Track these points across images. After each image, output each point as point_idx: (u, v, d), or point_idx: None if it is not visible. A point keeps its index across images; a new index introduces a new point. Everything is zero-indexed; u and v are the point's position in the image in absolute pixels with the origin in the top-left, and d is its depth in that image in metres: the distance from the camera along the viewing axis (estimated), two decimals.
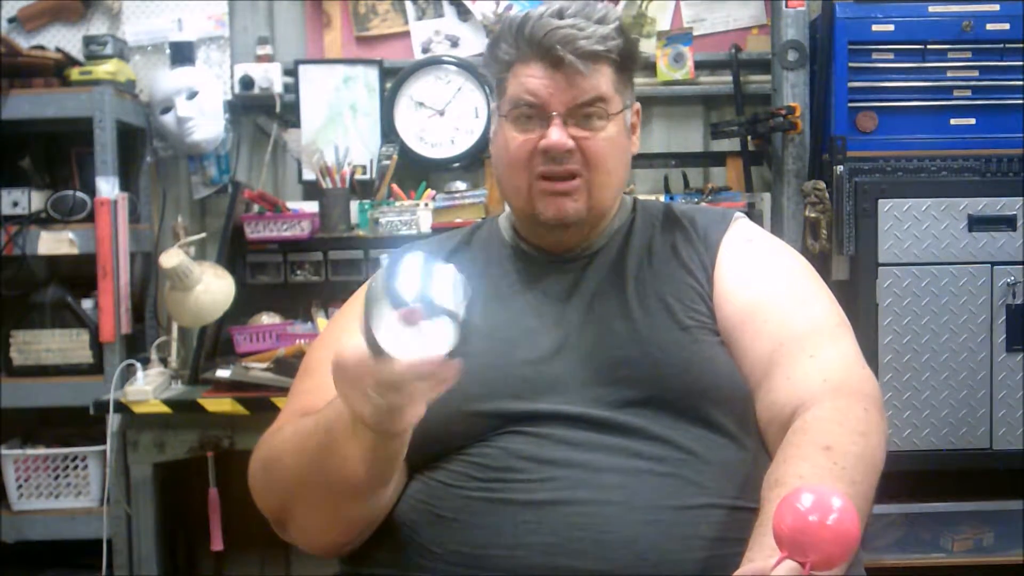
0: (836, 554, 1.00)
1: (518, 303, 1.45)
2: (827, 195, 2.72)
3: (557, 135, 1.40)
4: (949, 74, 2.77)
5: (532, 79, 1.41)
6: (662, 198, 2.91)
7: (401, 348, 1.08)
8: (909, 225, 2.67)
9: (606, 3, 1.46)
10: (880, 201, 2.67)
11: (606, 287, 1.45)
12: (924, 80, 2.75)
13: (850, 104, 2.74)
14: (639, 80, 3.02)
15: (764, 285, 1.44)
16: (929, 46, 2.75)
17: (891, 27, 2.73)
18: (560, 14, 1.40)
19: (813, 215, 2.74)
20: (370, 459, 1.21)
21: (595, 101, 1.41)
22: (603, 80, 1.41)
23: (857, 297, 2.66)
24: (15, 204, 2.74)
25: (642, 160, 3.07)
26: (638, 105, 1.53)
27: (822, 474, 1.18)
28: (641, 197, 2.85)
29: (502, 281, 1.48)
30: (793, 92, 2.84)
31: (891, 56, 2.76)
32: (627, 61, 1.45)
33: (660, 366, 1.35)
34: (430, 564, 1.26)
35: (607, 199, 1.47)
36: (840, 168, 2.70)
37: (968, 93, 2.76)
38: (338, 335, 1.50)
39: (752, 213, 2.85)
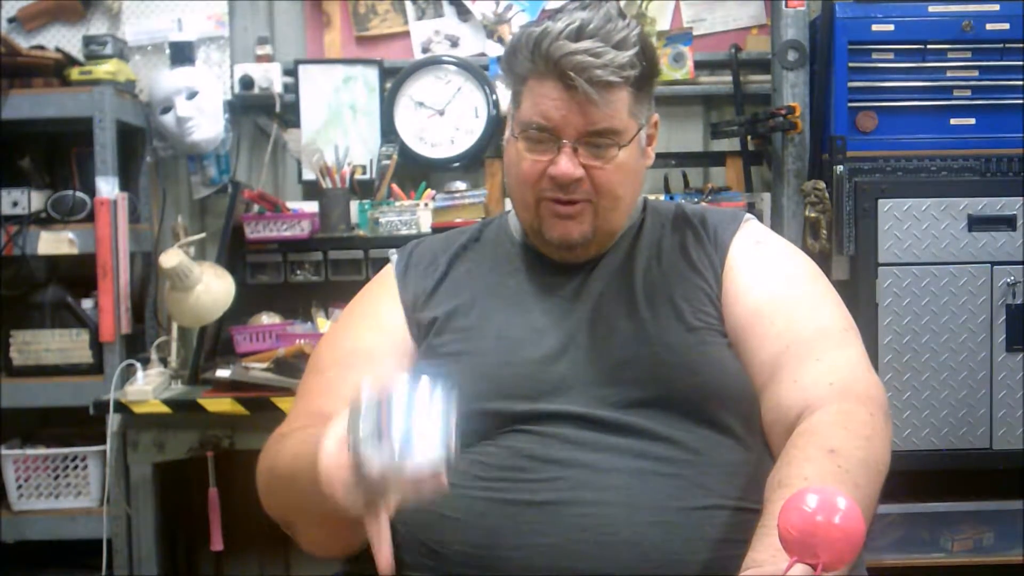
0: (846, 553, 1.01)
1: (526, 301, 1.45)
2: (827, 195, 2.72)
3: (566, 165, 1.38)
4: (949, 74, 2.77)
5: (545, 100, 1.37)
6: (662, 198, 2.91)
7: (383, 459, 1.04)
8: (909, 225, 2.67)
9: (629, 20, 1.42)
10: (880, 201, 2.68)
11: (614, 287, 1.44)
12: (924, 80, 2.76)
13: (850, 104, 2.74)
14: None
15: (773, 288, 1.43)
16: (929, 46, 2.75)
17: (891, 27, 2.74)
18: (579, 34, 1.36)
19: (813, 215, 2.74)
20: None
21: (607, 132, 1.38)
22: (618, 107, 1.38)
23: (857, 297, 2.66)
24: (15, 204, 2.73)
25: None
26: (656, 116, 1.49)
27: (826, 477, 1.18)
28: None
29: (511, 279, 1.48)
30: (793, 92, 2.83)
31: (891, 56, 2.76)
32: (646, 81, 1.42)
33: (667, 367, 1.35)
34: (434, 564, 1.26)
35: (615, 221, 1.46)
36: (840, 168, 2.70)
37: (968, 93, 2.77)
38: (346, 333, 1.50)
39: (752, 213, 2.84)
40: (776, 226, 2.87)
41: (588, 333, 1.40)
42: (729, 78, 3.06)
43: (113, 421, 2.57)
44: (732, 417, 1.34)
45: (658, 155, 3.00)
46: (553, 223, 1.42)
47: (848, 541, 1.00)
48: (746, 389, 1.37)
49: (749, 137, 3.01)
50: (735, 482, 1.29)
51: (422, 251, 1.55)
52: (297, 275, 2.98)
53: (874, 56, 2.76)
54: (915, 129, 2.77)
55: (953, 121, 2.77)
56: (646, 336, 1.38)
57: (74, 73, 2.82)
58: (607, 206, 1.42)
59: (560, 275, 1.47)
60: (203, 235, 3.00)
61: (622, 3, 3.11)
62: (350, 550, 1.32)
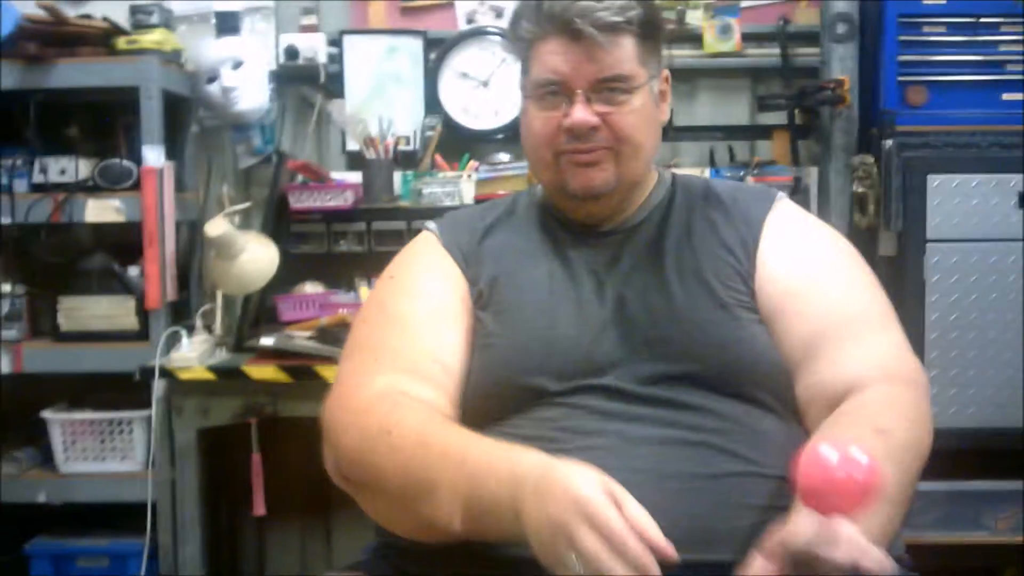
0: (859, 505, 1.05)
1: (558, 276, 1.45)
2: (875, 170, 2.69)
3: (580, 113, 1.39)
4: (1001, 48, 2.73)
5: (553, 56, 1.39)
6: (707, 171, 2.89)
7: None
8: (958, 201, 2.63)
9: None
10: (929, 176, 2.65)
11: (645, 262, 1.44)
12: (975, 54, 2.72)
13: (900, 78, 2.72)
14: (686, 52, 3.03)
15: (812, 268, 1.43)
16: (981, 19, 2.70)
17: (943, 0, 2.69)
18: None
19: (861, 190, 2.71)
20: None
21: (617, 76, 1.39)
22: (625, 53, 1.39)
23: (904, 273, 2.64)
24: (62, 172, 2.76)
25: (688, 133, 3.05)
26: (667, 72, 1.50)
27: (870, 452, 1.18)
28: (686, 170, 2.85)
29: (543, 252, 1.48)
30: (842, 65, 2.81)
31: (942, 29, 2.72)
32: (650, 30, 1.43)
33: (697, 343, 1.35)
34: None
35: (636, 170, 1.45)
36: (889, 143, 2.67)
37: (1020, 68, 2.72)
38: (420, 289, 1.47)
39: (799, 188, 2.82)
40: (823, 201, 2.84)
41: (619, 308, 1.40)
42: (777, 51, 3.03)
43: (158, 387, 2.59)
44: (764, 392, 1.34)
45: (704, 128, 3.06)
46: (574, 173, 1.42)
47: (866, 493, 1.05)
48: (778, 365, 1.36)
49: (797, 111, 2.97)
50: (768, 449, 1.28)
51: (460, 220, 1.56)
52: (340, 245, 2.99)
53: (925, 29, 2.72)
54: (965, 104, 2.73)
55: (1005, 96, 2.74)
56: (677, 313, 1.38)
57: (121, 43, 2.83)
58: (627, 153, 1.42)
59: (592, 249, 1.46)
60: (248, 204, 3.00)
61: None
62: (413, 533, 1.29)
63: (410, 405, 1.31)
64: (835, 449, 1.06)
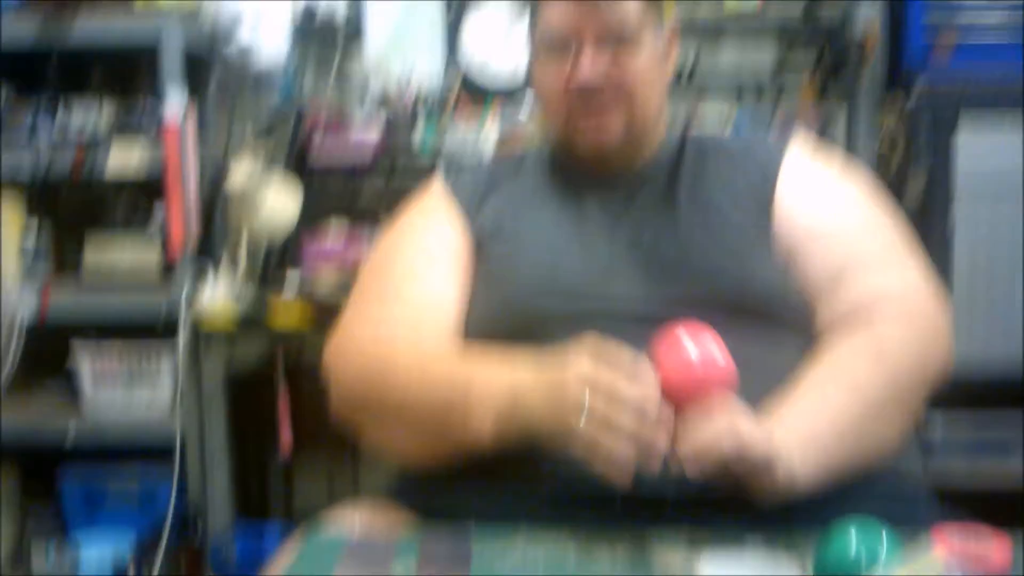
0: (694, 378, 1.14)
1: (566, 216, 1.47)
2: (901, 127, 2.70)
3: (588, 66, 1.41)
4: None
5: (559, 10, 1.42)
6: (730, 128, 2.89)
7: None
8: (984, 158, 2.64)
9: None
10: (955, 134, 2.65)
11: (658, 203, 1.46)
12: (1003, 10, 2.71)
13: (926, 35, 2.71)
14: (707, 10, 3.02)
15: (832, 205, 1.45)
16: None
17: None
18: None
19: (886, 147, 2.71)
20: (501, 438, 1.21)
21: (623, 31, 1.41)
22: (630, 5, 1.42)
23: (931, 229, 2.64)
24: (84, 122, 2.75)
25: (711, 91, 3.05)
26: (673, 24, 1.53)
27: (872, 376, 1.27)
28: (708, 127, 2.84)
29: (550, 198, 1.50)
30: (867, 23, 2.80)
31: None
32: None
33: (714, 272, 1.37)
34: (478, 466, 1.26)
35: (644, 123, 1.48)
36: (915, 100, 2.67)
37: None
38: (415, 237, 1.51)
39: (824, 144, 2.82)
40: (849, 158, 2.84)
41: (634, 243, 1.42)
42: (801, 6, 3.01)
43: (184, 331, 2.60)
44: (781, 322, 1.35)
45: (727, 86, 3.03)
46: (583, 132, 1.45)
47: (703, 377, 1.15)
48: (796, 295, 1.38)
49: (821, 68, 2.97)
50: (780, 378, 1.29)
51: (467, 170, 1.61)
52: (362, 198, 2.98)
53: None
54: (992, 60, 2.73)
55: None
56: (693, 244, 1.40)
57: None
58: (635, 105, 1.44)
59: (602, 195, 1.48)
60: (269, 159, 2.99)
61: None
62: (424, 459, 1.33)
63: (403, 336, 1.36)
64: (686, 331, 1.15)
